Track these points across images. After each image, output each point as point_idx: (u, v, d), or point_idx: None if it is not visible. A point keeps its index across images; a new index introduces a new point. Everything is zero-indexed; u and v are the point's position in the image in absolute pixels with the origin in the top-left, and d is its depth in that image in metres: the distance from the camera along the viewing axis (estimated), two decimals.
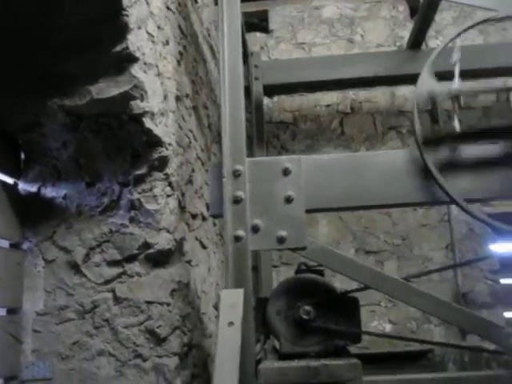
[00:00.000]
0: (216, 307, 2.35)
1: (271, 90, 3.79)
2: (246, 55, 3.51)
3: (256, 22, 4.08)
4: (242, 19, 2.80)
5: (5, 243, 1.83)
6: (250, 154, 3.29)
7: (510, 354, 1.65)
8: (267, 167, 1.75)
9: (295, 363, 1.69)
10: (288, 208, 1.70)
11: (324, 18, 4.07)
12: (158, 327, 1.78)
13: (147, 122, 1.70)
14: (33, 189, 1.90)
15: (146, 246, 1.81)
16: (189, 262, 2.07)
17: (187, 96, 2.25)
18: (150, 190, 1.81)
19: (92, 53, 1.58)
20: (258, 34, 4.09)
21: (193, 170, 2.24)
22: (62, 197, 1.88)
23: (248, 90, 3.52)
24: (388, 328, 3.54)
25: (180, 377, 1.81)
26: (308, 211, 1.72)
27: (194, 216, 2.21)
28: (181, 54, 2.20)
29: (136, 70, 1.65)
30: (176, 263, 1.86)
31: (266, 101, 3.83)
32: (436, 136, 1.70)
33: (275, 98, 3.93)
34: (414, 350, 2.52)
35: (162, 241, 1.81)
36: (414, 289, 1.74)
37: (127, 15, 1.54)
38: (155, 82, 1.78)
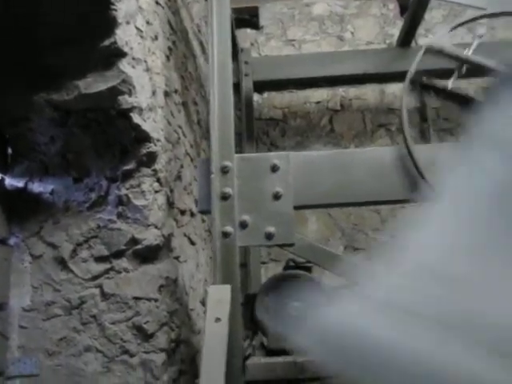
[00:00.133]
0: (203, 303, 2.34)
1: (261, 87, 3.78)
2: (236, 51, 3.50)
3: (246, 19, 4.06)
4: (232, 15, 2.79)
5: None
6: (240, 150, 3.29)
7: None
8: (255, 163, 1.75)
9: (282, 359, 1.70)
10: (276, 204, 1.70)
11: (314, 15, 4.07)
12: (145, 323, 1.78)
13: (135, 118, 1.69)
14: (20, 184, 1.88)
15: (134, 241, 1.80)
16: (177, 257, 2.06)
17: (176, 92, 2.25)
18: (138, 185, 1.80)
19: (80, 47, 1.57)
20: (249, 31, 4.08)
21: (182, 166, 2.24)
22: (49, 192, 1.87)
23: (238, 87, 3.51)
24: None
25: (167, 373, 1.81)
26: (296, 208, 1.72)
27: (182, 212, 2.21)
28: (170, 49, 2.19)
29: (124, 64, 1.64)
30: (164, 259, 1.86)
31: (255, 97, 3.82)
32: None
33: (265, 95, 3.92)
34: None
35: (150, 237, 1.81)
36: None
37: (115, 10, 1.53)
38: (144, 77, 1.77)
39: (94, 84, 1.64)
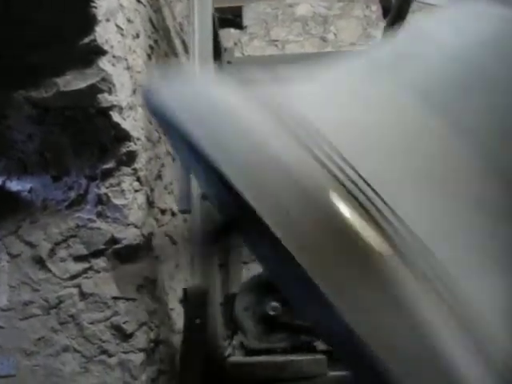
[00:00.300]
0: (182, 303, 2.34)
1: None
2: (219, 51, 3.50)
3: (230, 18, 4.07)
4: (216, 15, 2.79)
5: None
6: None
7: None
8: None
9: (262, 359, 1.70)
10: None
11: (298, 15, 4.08)
12: (124, 323, 1.77)
13: (115, 116, 1.68)
14: None
15: (113, 241, 1.79)
16: (157, 257, 2.05)
17: None
18: (118, 184, 1.79)
19: (59, 44, 1.55)
20: (232, 30, 4.09)
21: (162, 165, 2.23)
22: (27, 190, 1.85)
23: None
24: None
25: (146, 373, 1.80)
26: None
27: (163, 211, 2.20)
28: (151, 47, 2.18)
29: (104, 62, 1.63)
30: (144, 259, 1.85)
31: None
32: None
33: None
34: None
35: (130, 236, 1.80)
36: None
37: (95, 7, 1.52)
38: (124, 76, 1.76)
39: (73, 82, 1.62)
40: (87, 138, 1.75)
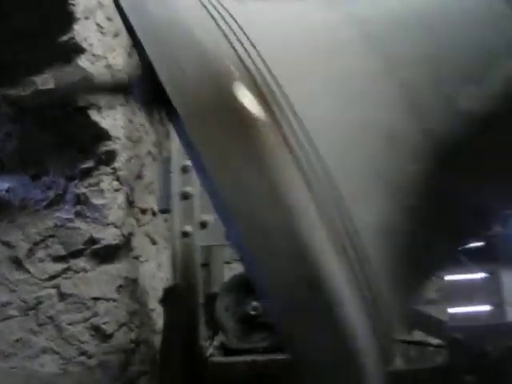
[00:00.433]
0: (161, 303, 2.33)
1: None
2: None
3: None
4: None
5: None
6: None
7: (450, 347, 1.70)
8: None
9: (243, 359, 1.70)
10: None
11: None
12: (103, 324, 1.75)
13: (93, 115, 1.67)
14: None
15: (93, 241, 1.78)
16: (137, 257, 2.04)
17: None
18: (97, 184, 1.77)
19: (37, 42, 1.54)
20: None
21: (143, 165, 2.21)
22: (5, 190, 1.83)
23: None
24: None
25: (126, 373, 1.79)
26: None
27: (143, 211, 2.18)
28: (133, 46, 2.16)
29: (83, 61, 1.62)
30: (123, 259, 1.84)
31: None
32: None
33: None
34: None
35: (109, 236, 1.78)
36: None
37: (73, 4, 1.51)
38: (104, 74, 1.75)
39: (51, 80, 1.61)
40: (66, 137, 1.74)
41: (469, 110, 0.69)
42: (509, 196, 0.80)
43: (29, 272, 1.79)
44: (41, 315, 1.77)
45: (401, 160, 0.67)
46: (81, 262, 1.79)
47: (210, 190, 0.81)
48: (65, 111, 1.67)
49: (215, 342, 1.96)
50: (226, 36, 0.62)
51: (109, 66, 1.79)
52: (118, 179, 1.82)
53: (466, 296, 1.86)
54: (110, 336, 1.76)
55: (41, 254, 1.79)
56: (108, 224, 1.79)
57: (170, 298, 1.75)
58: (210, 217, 1.66)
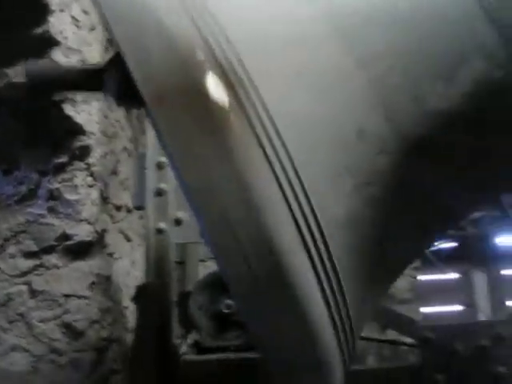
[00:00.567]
0: (134, 301, 2.31)
1: None
2: None
3: None
4: None
5: None
6: None
7: (422, 346, 1.72)
8: None
9: (216, 357, 1.69)
10: None
11: None
12: (75, 321, 1.73)
13: (67, 109, 1.64)
14: None
15: (65, 237, 1.75)
16: (111, 254, 2.02)
17: None
18: (71, 179, 1.75)
19: (9, 33, 1.51)
20: None
21: (118, 161, 2.19)
22: None
23: None
24: None
25: (98, 371, 1.77)
26: None
27: (118, 208, 2.16)
28: (109, 40, 2.14)
29: (58, 54, 1.60)
30: (96, 255, 1.82)
31: None
32: None
33: None
34: None
35: (82, 232, 1.76)
36: None
37: None
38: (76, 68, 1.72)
39: (23, 73, 1.58)
40: (39, 132, 1.71)
41: (436, 107, 0.69)
42: (474, 192, 0.81)
43: None
44: (11, 312, 1.75)
45: (369, 154, 0.67)
46: (53, 259, 1.76)
47: (182, 185, 0.81)
48: (38, 105, 1.65)
49: (188, 340, 1.95)
50: (195, 22, 0.62)
51: (83, 60, 1.77)
52: (92, 175, 1.80)
53: (438, 296, 1.88)
54: (82, 333, 1.74)
55: (12, 249, 1.77)
56: (81, 220, 1.77)
57: (142, 295, 1.73)
58: (184, 214, 1.64)
